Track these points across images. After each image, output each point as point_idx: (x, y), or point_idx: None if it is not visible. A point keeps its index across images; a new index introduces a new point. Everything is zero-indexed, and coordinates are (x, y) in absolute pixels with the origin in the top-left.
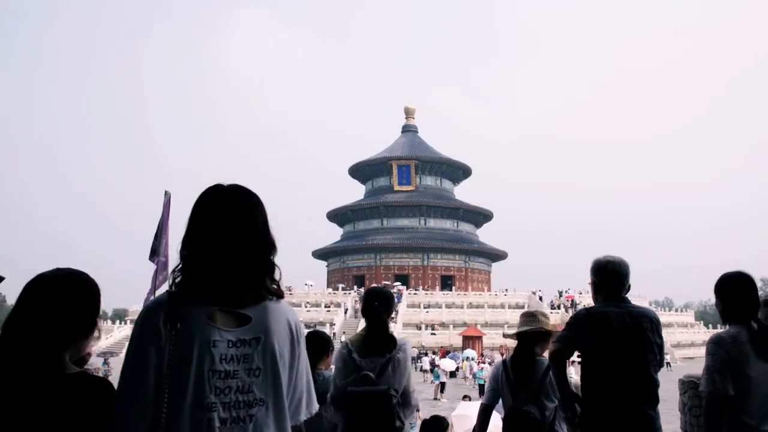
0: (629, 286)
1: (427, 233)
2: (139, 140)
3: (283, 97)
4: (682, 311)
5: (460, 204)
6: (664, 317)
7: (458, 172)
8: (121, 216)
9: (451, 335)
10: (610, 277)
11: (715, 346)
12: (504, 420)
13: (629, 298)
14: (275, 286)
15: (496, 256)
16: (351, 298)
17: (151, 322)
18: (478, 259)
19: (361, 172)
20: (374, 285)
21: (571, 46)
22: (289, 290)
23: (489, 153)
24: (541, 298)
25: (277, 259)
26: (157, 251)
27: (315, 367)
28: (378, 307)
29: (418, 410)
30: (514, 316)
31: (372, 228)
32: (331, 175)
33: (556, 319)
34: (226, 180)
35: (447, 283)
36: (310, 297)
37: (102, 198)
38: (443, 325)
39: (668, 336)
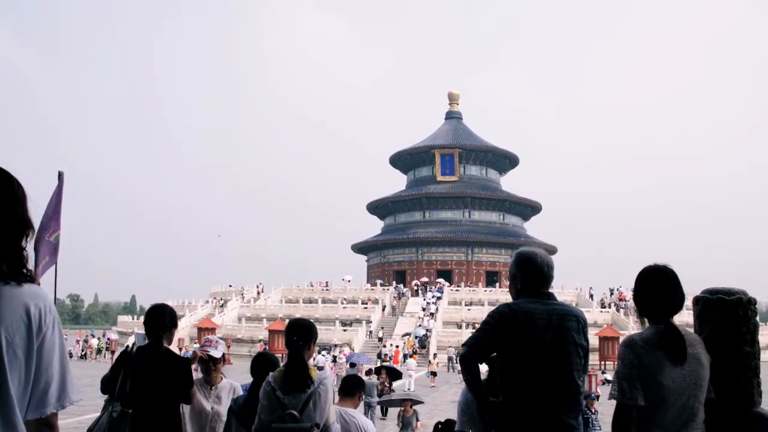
0: None
1: (471, 226)
2: (163, 125)
3: (321, 81)
4: None
5: (506, 195)
6: None
7: (505, 161)
8: (152, 214)
9: None
10: (539, 270)
11: (625, 349)
12: None
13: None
14: (25, 270)
15: (545, 250)
16: (389, 295)
17: None
18: None
19: (402, 161)
20: (296, 317)
21: (630, 33)
22: (326, 286)
23: (538, 142)
24: (591, 296)
25: (316, 254)
26: (41, 236)
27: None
28: (297, 342)
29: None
30: None
31: (413, 221)
32: (371, 164)
33: (606, 319)
34: (262, 169)
35: (492, 279)
36: (347, 293)
37: (131, 201)
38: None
39: None
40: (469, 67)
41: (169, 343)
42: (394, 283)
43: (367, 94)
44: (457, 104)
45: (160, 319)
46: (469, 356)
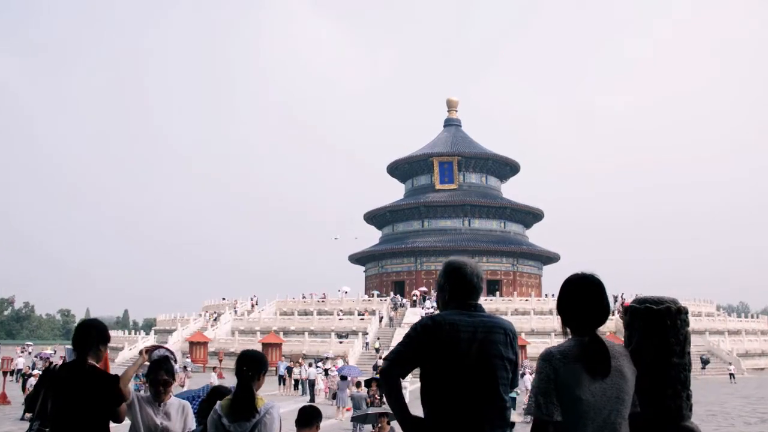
0: None
1: (471, 235)
2: (157, 134)
3: (319, 90)
4: (755, 317)
5: (507, 203)
6: (731, 324)
7: (505, 168)
8: (145, 226)
9: None
10: (468, 281)
11: (542, 363)
12: None
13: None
14: None
15: (548, 258)
16: (386, 306)
17: None
18: (528, 261)
19: (400, 170)
20: (248, 348)
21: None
22: (323, 297)
23: (539, 146)
24: None
25: (313, 265)
26: None
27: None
28: (246, 372)
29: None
30: None
31: (412, 230)
32: (369, 173)
33: (610, 327)
34: (258, 178)
35: (493, 288)
36: (344, 304)
37: (123, 213)
38: None
39: (735, 345)
40: (467, 73)
41: (98, 361)
42: (391, 293)
43: (366, 102)
44: (456, 111)
45: (87, 336)
46: (389, 370)
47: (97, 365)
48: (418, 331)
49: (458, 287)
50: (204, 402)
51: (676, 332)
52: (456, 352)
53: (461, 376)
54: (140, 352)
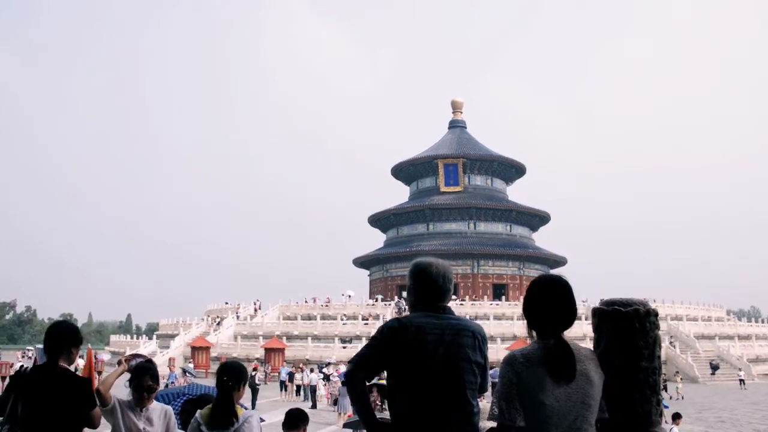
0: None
1: (477, 238)
2: (158, 136)
3: (321, 92)
4: (766, 322)
5: (513, 206)
6: (741, 329)
7: (511, 170)
8: (147, 229)
9: (499, 350)
10: (433, 282)
11: (505, 367)
12: None
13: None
14: None
15: (555, 262)
16: (391, 310)
17: None
18: (534, 265)
19: (404, 172)
20: (228, 359)
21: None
22: (327, 302)
23: (545, 148)
24: None
25: (318, 268)
26: None
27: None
28: (227, 382)
29: None
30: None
31: (417, 233)
32: (373, 176)
33: None
34: (261, 181)
35: (499, 292)
36: (347, 309)
37: (125, 215)
38: (491, 338)
39: (746, 350)
40: (472, 74)
41: (69, 363)
42: (396, 298)
43: (368, 104)
44: (461, 112)
45: (58, 338)
46: (354, 374)
47: (69, 368)
48: (384, 333)
49: (424, 289)
50: (189, 402)
51: (645, 335)
52: (422, 355)
53: (427, 379)
54: (119, 362)
